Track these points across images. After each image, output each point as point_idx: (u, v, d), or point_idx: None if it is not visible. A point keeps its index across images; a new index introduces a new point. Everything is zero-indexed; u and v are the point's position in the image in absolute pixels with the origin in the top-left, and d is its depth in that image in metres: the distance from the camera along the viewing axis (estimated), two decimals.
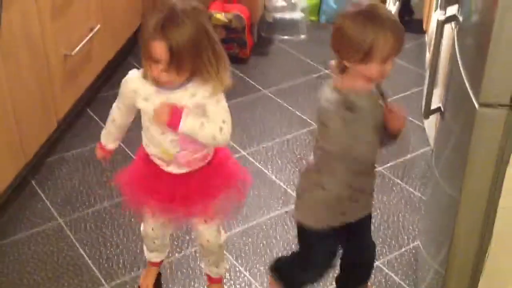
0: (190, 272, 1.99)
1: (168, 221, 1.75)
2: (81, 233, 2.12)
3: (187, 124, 1.50)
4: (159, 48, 1.41)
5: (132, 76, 1.57)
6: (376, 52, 1.42)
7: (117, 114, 1.66)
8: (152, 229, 1.76)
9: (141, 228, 1.81)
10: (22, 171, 2.27)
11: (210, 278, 1.87)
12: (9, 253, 2.02)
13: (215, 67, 1.49)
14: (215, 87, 1.51)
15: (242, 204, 1.92)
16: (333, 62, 1.51)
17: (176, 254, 2.04)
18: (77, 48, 2.48)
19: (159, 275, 1.93)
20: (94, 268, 1.97)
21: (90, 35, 2.60)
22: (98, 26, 2.67)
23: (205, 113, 1.52)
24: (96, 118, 2.73)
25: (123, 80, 1.59)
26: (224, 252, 1.86)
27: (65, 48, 2.43)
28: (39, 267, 1.98)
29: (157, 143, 1.58)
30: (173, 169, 1.62)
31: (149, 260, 1.89)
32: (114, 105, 1.67)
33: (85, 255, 2.03)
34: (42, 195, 2.28)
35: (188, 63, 1.44)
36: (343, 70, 1.50)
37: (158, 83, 1.50)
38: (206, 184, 1.64)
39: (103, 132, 1.73)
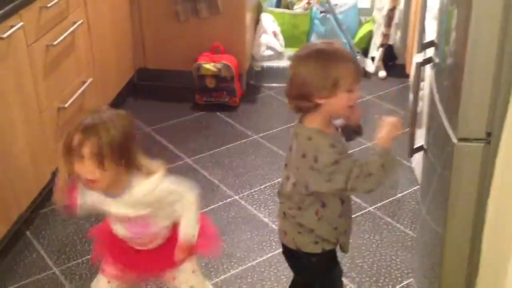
0: None
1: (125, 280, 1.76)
2: (75, 281, 2.13)
3: (193, 234, 1.63)
4: (91, 146, 1.45)
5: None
6: (342, 83, 1.49)
7: None
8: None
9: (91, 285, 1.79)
10: (16, 223, 2.30)
11: None
12: None
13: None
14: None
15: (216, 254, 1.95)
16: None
17: None
18: (70, 101, 2.55)
19: None
20: None
21: (83, 88, 2.67)
22: (90, 79, 2.75)
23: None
24: None
25: None
26: None
27: (59, 101, 2.50)
28: None
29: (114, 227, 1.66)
30: (133, 245, 1.68)
31: None
32: None
33: None
34: (37, 245, 2.30)
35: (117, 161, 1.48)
36: (309, 109, 1.54)
37: (89, 186, 1.52)
38: (164, 258, 1.67)
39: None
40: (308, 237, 1.64)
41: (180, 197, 1.60)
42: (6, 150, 2.15)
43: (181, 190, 1.60)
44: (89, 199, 1.59)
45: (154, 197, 1.55)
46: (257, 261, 2.25)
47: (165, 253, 1.66)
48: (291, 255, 1.73)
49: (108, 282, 1.73)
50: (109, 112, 1.54)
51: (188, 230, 1.61)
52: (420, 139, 2.09)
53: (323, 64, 1.49)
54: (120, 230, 1.63)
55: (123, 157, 1.49)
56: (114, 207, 1.56)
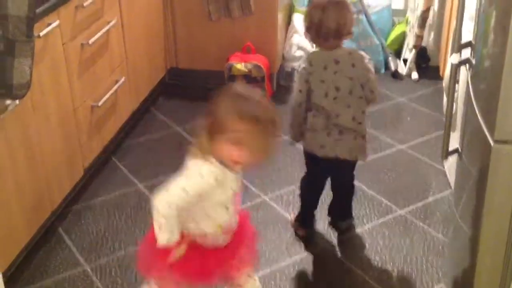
0: None
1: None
2: (106, 278, 2.15)
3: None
4: (253, 133, 1.51)
5: (216, 172, 1.58)
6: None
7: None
8: None
9: None
10: (49, 219, 2.33)
11: None
12: None
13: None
14: None
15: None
16: None
17: None
18: (103, 100, 2.58)
19: None
20: None
21: (116, 87, 2.70)
22: (123, 78, 2.78)
23: None
24: (121, 166, 2.80)
25: (201, 174, 1.57)
26: None
27: (92, 99, 2.53)
28: None
29: (215, 217, 1.64)
30: (222, 241, 1.68)
31: None
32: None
33: None
34: (69, 241, 2.33)
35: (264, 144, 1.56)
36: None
37: (232, 167, 1.58)
38: (236, 248, 1.70)
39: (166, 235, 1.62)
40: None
41: None
42: (42, 146, 2.19)
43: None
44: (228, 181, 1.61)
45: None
46: (285, 262, 2.24)
47: (232, 250, 1.70)
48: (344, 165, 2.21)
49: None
50: (263, 99, 1.58)
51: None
52: (454, 141, 2.05)
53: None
54: (233, 213, 1.67)
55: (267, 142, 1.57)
56: (236, 183, 1.63)
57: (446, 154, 1.94)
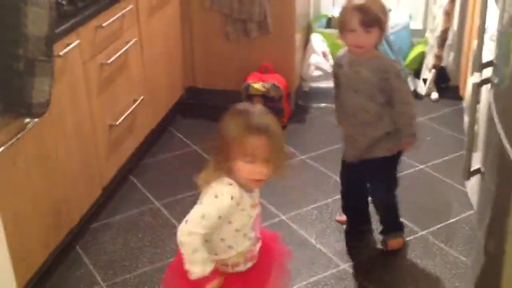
0: None
1: None
2: None
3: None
4: (262, 143, 1.49)
5: (231, 190, 1.55)
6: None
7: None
8: None
9: None
10: (67, 237, 2.33)
11: None
12: None
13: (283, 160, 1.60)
14: None
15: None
16: None
17: None
18: (121, 119, 2.59)
19: None
20: None
21: (134, 106, 2.71)
22: (142, 97, 2.79)
23: None
24: (139, 185, 2.80)
25: (216, 195, 1.54)
26: None
27: (111, 118, 2.54)
28: None
29: (237, 246, 1.61)
30: (241, 268, 1.65)
31: None
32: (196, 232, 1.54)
33: None
34: (86, 260, 2.32)
35: (277, 156, 1.53)
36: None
37: (251, 185, 1.56)
38: (261, 272, 1.67)
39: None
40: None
41: None
42: (60, 164, 2.19)
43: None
44: (247, 203, 1.58)
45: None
46: (304, 283, 2.20)
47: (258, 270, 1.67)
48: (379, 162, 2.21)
49: None
50: (265, 111, 1.57)
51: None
52: (476, 162, 2.02)
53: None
54: (252, 234, 1.63)
55: (280, 154, 1.54)
56: (254, 207, 1.61)
57: (468, 174, 1.90)
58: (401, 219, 2.40)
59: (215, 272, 1.55)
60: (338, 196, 2.69)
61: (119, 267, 2.28)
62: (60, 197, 2.22)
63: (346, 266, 2.29)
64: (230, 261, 1.62)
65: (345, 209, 2.47)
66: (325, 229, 2.50)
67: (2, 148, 1.81)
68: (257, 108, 1.57)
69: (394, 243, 2.35)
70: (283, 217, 2.57)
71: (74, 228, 2.37)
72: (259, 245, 1.67)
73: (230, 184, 1.53)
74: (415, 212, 2.58)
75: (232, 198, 1.53)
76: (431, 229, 2.47)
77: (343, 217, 2.49)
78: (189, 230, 1.51)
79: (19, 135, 1.89)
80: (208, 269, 1.53)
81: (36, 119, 1.96)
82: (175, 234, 1.56)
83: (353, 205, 2.45)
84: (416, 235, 2.45)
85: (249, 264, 1.65)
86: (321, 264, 2.30)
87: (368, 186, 2.35)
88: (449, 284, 2.18)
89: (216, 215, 1.53)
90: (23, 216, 2.00)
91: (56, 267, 2.27)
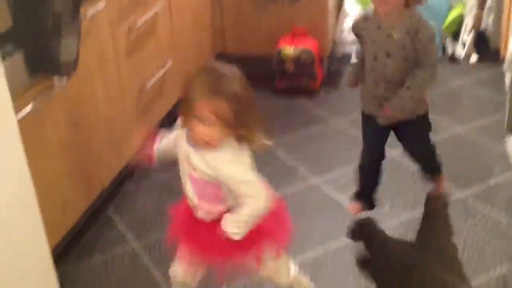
0: None
1: (202, 268, 1.68)
2: (154, 258, 2.12)
3: (235, 232, 1.49)
4: (215, 107, 1.39)
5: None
6: None
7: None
8: (182, 273, 1.70)
9: (170, 273, 1.74)
10: (98, 198, 2.33)
11: None
12: (84, 277, 2.05)
13: (253, 129, 1.46)
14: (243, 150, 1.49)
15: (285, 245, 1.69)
16: None
17: None
18: (151, 83, 2.56)
19: None
20: None
21: (163, 70, 2.68)
22: (170, 62, 2.76)
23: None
24: None
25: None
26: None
27: (139, 83, 2.52)
28: None
29: (185, 189, 1.58)
30: (200, 214, 1.58)
31: None
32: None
33: (159, 279, 2.02)
34: (117, 222, 2.32)
35: (236, 121, 1.42)
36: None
37: (198, 143, 1.47)
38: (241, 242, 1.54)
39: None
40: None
41: (250, 194, 1.48)
42: (91, 128, 2.18)
43: (257, 191, 1.48)
44: (181, 149, 1.53)
45: (228, 173, 1.47)
46: (335, 246, 2.15)
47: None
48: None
49: (185, 269, 1.68)
50: (227, 69, 1.46)
51: (233, 225, 1.49)
52: None
53: None
54: (189, 188, 1.57)
55: (243, 121, 1.42)
56: (197, 160, 1.49)
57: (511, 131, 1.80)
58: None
59: None
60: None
61: (151, 229, 2.27)
62: (90, 161, 2.21)
63: (381, 228, 2.23)
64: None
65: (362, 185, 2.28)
66: None
67: (31, 109, 1.80)
68: (226, 70, 1.46)
69: (441, 180, 2.33)
70: (315, 181, 2.51)
71: (105, 191, 2.37)
72: (209, 216, 1.57)
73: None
74: (452, 174, 2.49)
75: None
76: (471, 191, 2.38)
77: (356, 205, 2.29)
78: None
79: (48, 95, 1.87)
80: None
81: (64, 81, 1.94)
82: None
83: (371, 175, 2.26)
84: (454, 197, 2.36)
85: (207, 217, 1.57)
86: (354, 227, 2.24)
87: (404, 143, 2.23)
88: (489, 246, 2.10)
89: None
90: (54, 179, 2.00)
91: (88, 229, 2.27)
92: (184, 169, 1.55)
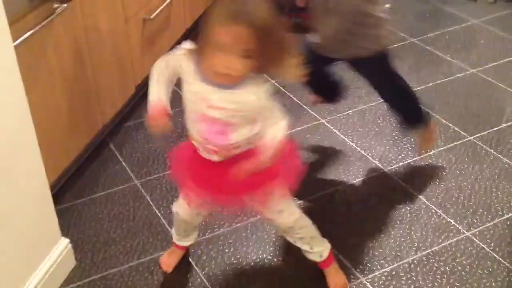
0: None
1: (207, 207, 1.64)
2: (156, 194, 2.10)
3: (269, 158, 1.39)
4: (237, 33, 1.28)
5: (183, 54, 1.41)
6: None
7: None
8: (185, 213, 1.66)
9: (173, 209, 1.70)
10: (100, 133, 2.29)
11: (319, 264, 1.72)
12: (86, 211, 2.03)
13: (278, 60, 1.36)
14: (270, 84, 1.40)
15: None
16: None
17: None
18: (156, 13, 2.46)
19: (187, 253, 1.83)
20: (168, 228, 1.95)
21: (169, 0, 2.58)
22: None
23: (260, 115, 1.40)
24: (175, 87, 2.70)
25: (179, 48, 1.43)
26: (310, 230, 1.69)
27: (144, 11, 2.42)
28: (115, 224, 1.98)
29: (192, 128, 1.49)
30: (205, 155, 1.50)
31: (177, 242, 1.79)
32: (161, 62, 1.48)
33: (160, 215, 2.01)
34: (120, 157, 2.28)
35: (263, 53, 1.31)
36: None
37: (217, 77, 1.35)
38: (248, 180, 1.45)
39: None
40: None
41: (272, 118, 1.40)
42: (91, 57, 2.11)
43: (278, 113, 1.41)
44: (192, 88, 1.42)
45: (254, 103, 1.39)
46: (343, 185, 2.12)
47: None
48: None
49: (189, 205, 1.63)
50: (262, 1, 1.33)
51: (265, 152, 1.40)
52: None
53: None
54: (200, 128, 1.46)
55: (268, 51, 1.31)
56: (217, 98, 1.39)
57: None
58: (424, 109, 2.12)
59: None
60: (381, 100, 2.56)
61: (153, 165, 2.24)
62: (92, 91, 2.15)
63: (387, 170, 2.19)
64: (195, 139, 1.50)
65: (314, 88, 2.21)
66: (366, 133, 2.38)
67: (32, 31, 1.72)
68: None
69: (424, 137, 2.16)
70: (323, 120, 2.46)
71: (108, 125, 2.33)
72: (218, 155, 1.49)
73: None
74: (463, 116, 2.44)
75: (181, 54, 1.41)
76: (481, 134, 2.33)
77: (314, 97, 2.29)
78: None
79: (48, 19, 1.79)
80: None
81: (65, 4, 1.85)
82: None
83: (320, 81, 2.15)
84: (465, 139, 2.31)
85: (215, 157, 1.49)
86: (361, 168, 2.20)
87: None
88: (497, 189, 2.06)
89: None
90: (55, 106, 1.94)
91: (91, 162, 2.24)
92: (195, 108, 1.44)
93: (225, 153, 1.48)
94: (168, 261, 1.81)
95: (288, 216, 1.62)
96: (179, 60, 1.44)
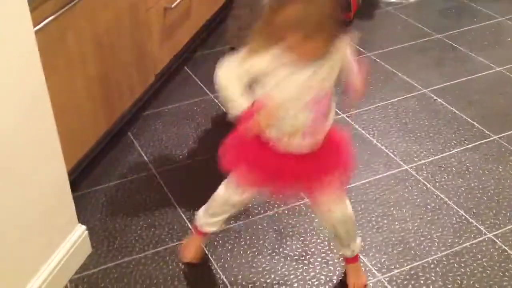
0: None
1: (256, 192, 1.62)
2: (173, 184, 2.08)
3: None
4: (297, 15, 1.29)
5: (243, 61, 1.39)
6: None
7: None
8: (232, 196, 1.61)
9: (219, 192, 1.63)
10: (119, 122, 2.28)
11: (346, 259, 1.71)
12: (103, 199, 2.03)
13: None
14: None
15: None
16: None
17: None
18: (177, 1, 2.44)
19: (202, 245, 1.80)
20: (184, 217, 1.93)
21: None
22: None
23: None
24: (194, 77, 2.69)
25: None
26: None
27: (166, 1, 2.40)
28: (132, 213, 1.96)
29: (291, 121, 1.44)
30: (283, 150, 1.47)
31: (200, 227, 1.72)
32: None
33: (176, 205, 1.99)
34: (137, 146, 2.27)
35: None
36: None
37: (307, 60, 1.36)
38: (317, 165, 1.50)
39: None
40: None
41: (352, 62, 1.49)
42: (112, 45, 2.09)
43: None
44: (290, 80, 1.39)
45: (343, 57, 1.43)
46: (363, 181, 2.08)
47: (316, 161, 1.49)
48: None
49: (236, 192, 1.59)
50: None
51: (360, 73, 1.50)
52: None
53: None
54: (303, 117, 1.43)
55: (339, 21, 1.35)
56: (321, 76, 1.39)
57: None
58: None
59: None
60: (404, 96, 2.52)
61: (171, 155, 2.22)
62: (111, 79, 2.13)
63: (408, 167, 2.15)
64: (288, 133, 1.47)
65: None
66: (388, 129, 2.34)
67: (52, 17, 1.71)
68: None
69: None
70: (343, 115, 2.42)
71: (126, 114, 2.31)
72: (306, 147, 1.48)
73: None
74: (488, 115, 2.38)
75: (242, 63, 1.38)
76: (506, 133, 2.28)
77: None
78: None
79: (69, 5, 1.78)
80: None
81: None
82: None
83: None
84: (488, 139, 2.26)
85: (304, 148, 1.47)
86: (381, 164, 2.16)
87: None
88: None
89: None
90: (74, 95, 1.93)
91: (109, 150, 2.23)
92: (298, 97, 1.41)
93: (318, 138, 1.47)
94: (187, 249, 1.78)
95: (345, 208, 1.59)
96: (252, 66, 1.39)
